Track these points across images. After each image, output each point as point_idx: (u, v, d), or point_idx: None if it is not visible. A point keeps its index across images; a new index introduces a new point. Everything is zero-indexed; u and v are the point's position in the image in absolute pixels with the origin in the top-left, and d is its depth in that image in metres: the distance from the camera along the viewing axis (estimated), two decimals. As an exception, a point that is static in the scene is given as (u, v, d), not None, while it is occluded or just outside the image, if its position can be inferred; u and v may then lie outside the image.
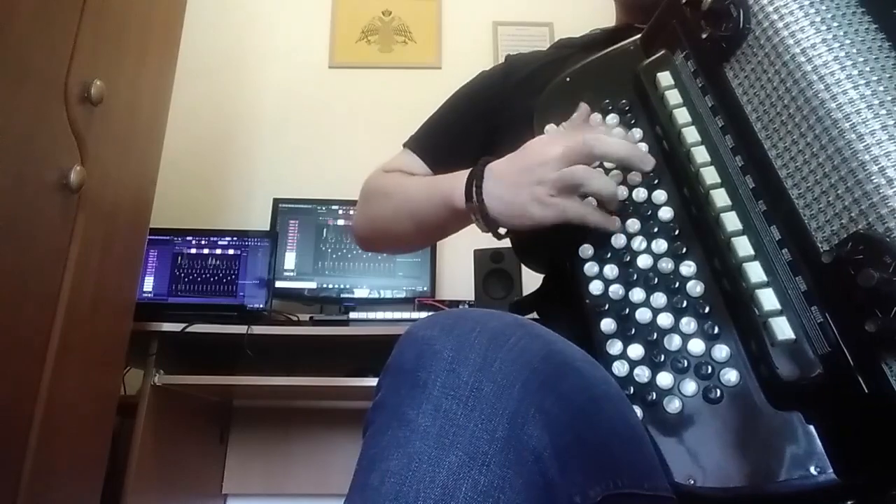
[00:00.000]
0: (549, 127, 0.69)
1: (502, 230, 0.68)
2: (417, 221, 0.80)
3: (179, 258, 1.95)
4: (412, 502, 0.37)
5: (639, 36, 0.69)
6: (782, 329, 0.47)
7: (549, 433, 0.41)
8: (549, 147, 0.63)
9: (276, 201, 2.17)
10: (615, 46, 0.72)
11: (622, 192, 0.62)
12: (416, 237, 0.84)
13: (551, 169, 0.61)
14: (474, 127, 0.87)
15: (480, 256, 1.98)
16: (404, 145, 0.91)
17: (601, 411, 0.46)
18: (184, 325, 1.71)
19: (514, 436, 0.40)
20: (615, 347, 0.55)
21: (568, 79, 0.72)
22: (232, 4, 2.65)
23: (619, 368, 0.54)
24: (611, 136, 0.63)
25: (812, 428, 0.46)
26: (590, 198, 0.62)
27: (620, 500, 0.44)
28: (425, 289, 2.11)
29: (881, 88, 0.44)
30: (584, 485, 0.42)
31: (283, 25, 2.65)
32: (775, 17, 0.50)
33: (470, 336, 0.43)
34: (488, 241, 1.93)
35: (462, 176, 0.69)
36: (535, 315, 0.81)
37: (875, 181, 0.42)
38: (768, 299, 0.48)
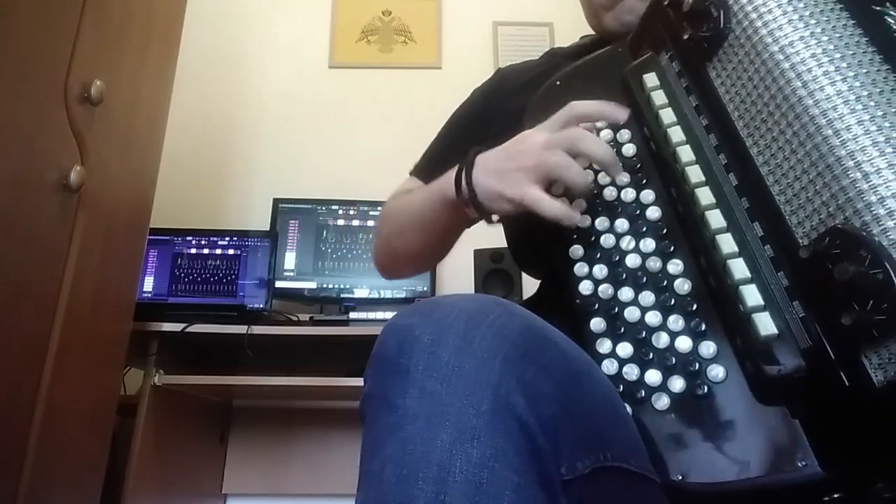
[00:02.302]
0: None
1: (494, 217, 0.69)
2: (421, 228, 0.81)
3: (179, 258, 1.96)
4: (413, 483, 0.39)
5: (627, 38, 0.70)
6: (765, 324, 0.47)
7: (532, 403, 0.42)
8: (535, 135, 0.64)
9: (276, 201, 2.18)
10: (604, 49, 0.73)
11: (610, 192, 0.62)
12: (425, 248, 0.85)
13: (533, 157, 0.62)
14: (467, 141, 0.87)
15: (480, 256, 1.98)
16: (410, 173, 0.93)
17: (583, 386, 0.47)
18: (184, 325, 1.71)
19: (499, 406, 0.41)
20: (605, 346, 0.56)
21: (558, 82, 0.73)
22: (232, 4, 2.66)
23: (609, 367, 0.54)
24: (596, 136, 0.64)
25: (797, 422, 0.46)
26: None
27: (611, 474, 0.45)
28: (425, 289, 2.11)
29: (857, 84, 0.45)
30: (572, 457, 0.43)
31: (283, 25, 2.65)
32: (754, 15, 0.51)
33: (448, 318, 0.45)
34: (488, 241, 1.93)
35: (452, 171, 0.71)
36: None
37: (851, 176, 0.43)
38: (752, 295, 0.49)
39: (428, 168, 0.90)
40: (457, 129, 0.92)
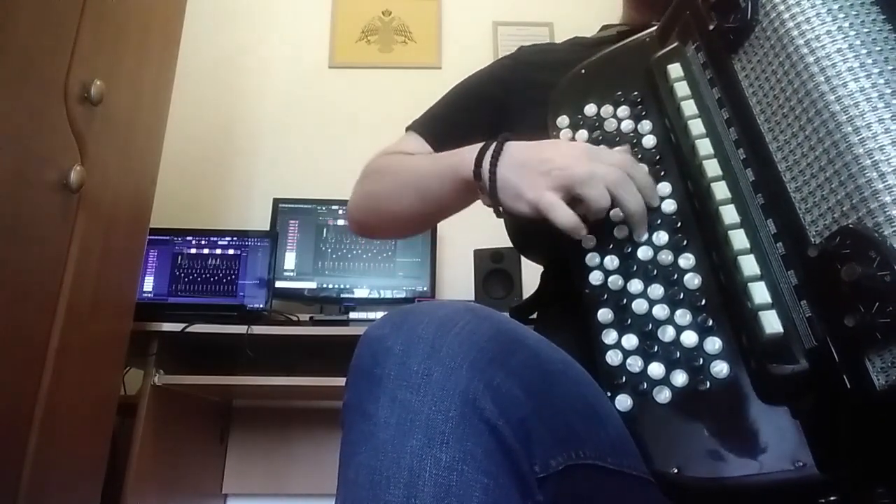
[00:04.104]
0: (562, 119, 0.69)
1: (502, 208, 0.67)
2: (422, 197, 0.78)
3: (179, 258, 1.96)
4: (384, 488, 0.40)
5: (655, 28, 0.69)
6: (771, 323, 0.47)
7: (501, 406, 0.43)
8: (572, 147, 0.62)
9: (276, 201, 2.17)
10: (631, 38, 0.72)
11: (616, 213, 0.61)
12: (418, 214, 0.81)
13: (562, 165, 0.60)
14: (481, 111, 0.86)
15: (480, 256, 1.98)
16: (408, 128, 0.90)
17: (556, 386, 0.48)
18: (184, 325, 1.71)
19: (467, 411, 0.42)
20: (610, 337, 0.56)
21: (583, 70, 0.72)
22: (232, 4, 2.65)
23: (613, 358, 0.54)
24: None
25: (798, 422, 0.46)
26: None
27: (585, 471, 0.46)
28: (425, 289, 2.11)
29: (882, 81, 0.44)
30: (545, 455, 0.44)
31: (283, 26, 2.65)
32: (782, 7, 0.50)
33: (418, 328, 0.46)
34: (488, 241, 1.93)
35: (472, 149, 0.68)
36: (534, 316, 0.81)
37: (867, 175, 0.42)
38: (760, 293, 0.48)
39: (430, 123, 0.88)
40: (469, 95, 0.90)
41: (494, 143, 0.66)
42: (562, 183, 0.59)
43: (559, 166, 0.60)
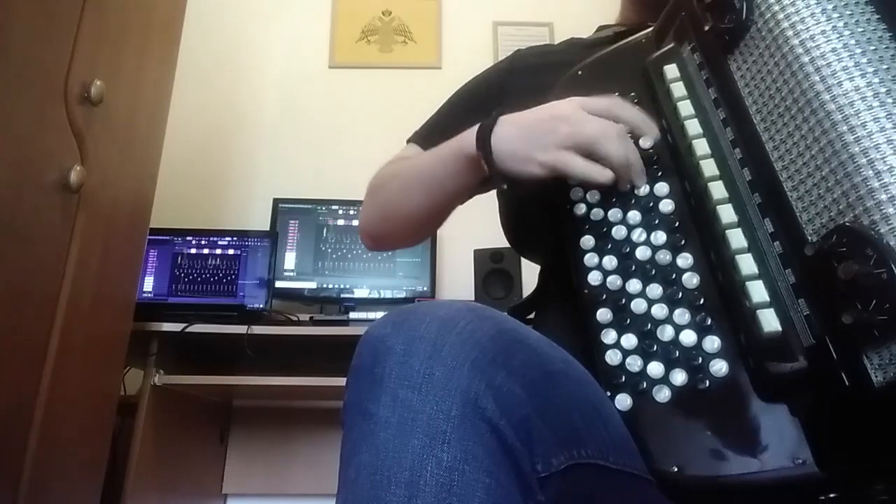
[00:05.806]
0: None
1: (504, 185, 0.69)
2: (429, 186, 0.78)
3: (179, 258, 1.96)
4: (385, 488, 0.40)
5: (651, 29, 0.69)
6: (769, 321, 0.47)
7: (503, 406, 0.43)
8: (567, 104, 0.64)
9: (276, 201, 2.18)
10: (628, 39, 0.72)
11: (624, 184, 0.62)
12: (426, 209, 0.81)
13: (567, 125, 0.62)
14: (478, 118, 0.87)
15: (480, 256, 1.98)
16: (408, 140, 0.91)
17: (557, 386, 0.48)
18: (184, 325, 1.71)
19: (468, 411, 0.42)
20: (609, 337, 0.56)
21: (580, 72, 0.73)
22: (232, 4, 2.66)
23: (612, 357, 0.55)
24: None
25: (797, 420, 0.46)
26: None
27: (587, 470, 0.46)
28: (425, 289, 2.11)
29: (877, 80, 0.44)
30: (546, 454, 0.44)
31: (283, 25, 2.65)
32: (777, 7, 0.50)
33: (419, 328, 0.46)
34: (488, 241, 1.93)
35: (474, 128, 0.70)
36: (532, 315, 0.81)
37: (863, 174, 0.43)
38: (757, 291, 0.48)
39: (430, 136, 0.88)
40: (467, 101, 0.90)
41: (492, 116, 0.68)
42: (575, 142, 0.61)
43: (564, 127, 0.62)
